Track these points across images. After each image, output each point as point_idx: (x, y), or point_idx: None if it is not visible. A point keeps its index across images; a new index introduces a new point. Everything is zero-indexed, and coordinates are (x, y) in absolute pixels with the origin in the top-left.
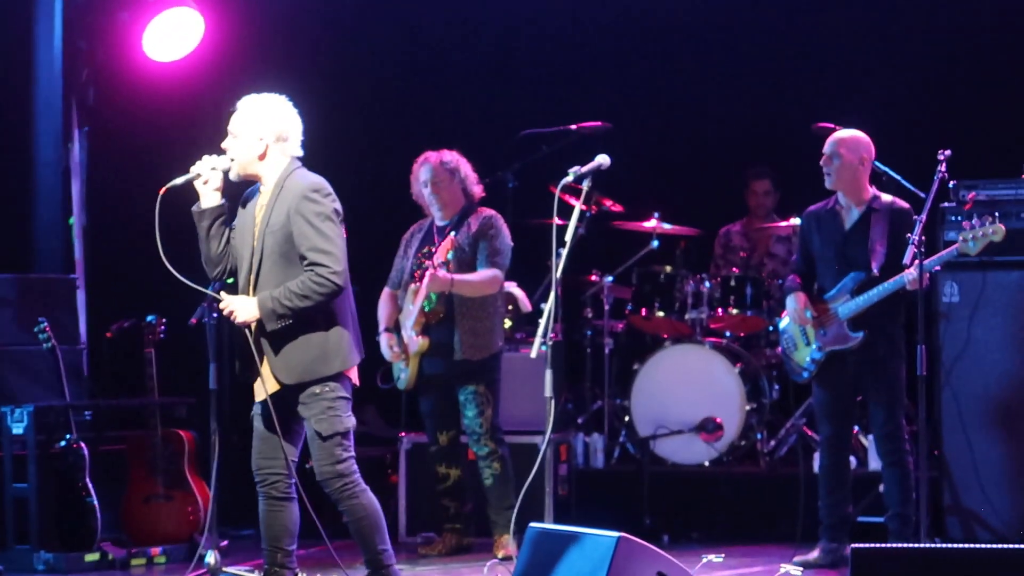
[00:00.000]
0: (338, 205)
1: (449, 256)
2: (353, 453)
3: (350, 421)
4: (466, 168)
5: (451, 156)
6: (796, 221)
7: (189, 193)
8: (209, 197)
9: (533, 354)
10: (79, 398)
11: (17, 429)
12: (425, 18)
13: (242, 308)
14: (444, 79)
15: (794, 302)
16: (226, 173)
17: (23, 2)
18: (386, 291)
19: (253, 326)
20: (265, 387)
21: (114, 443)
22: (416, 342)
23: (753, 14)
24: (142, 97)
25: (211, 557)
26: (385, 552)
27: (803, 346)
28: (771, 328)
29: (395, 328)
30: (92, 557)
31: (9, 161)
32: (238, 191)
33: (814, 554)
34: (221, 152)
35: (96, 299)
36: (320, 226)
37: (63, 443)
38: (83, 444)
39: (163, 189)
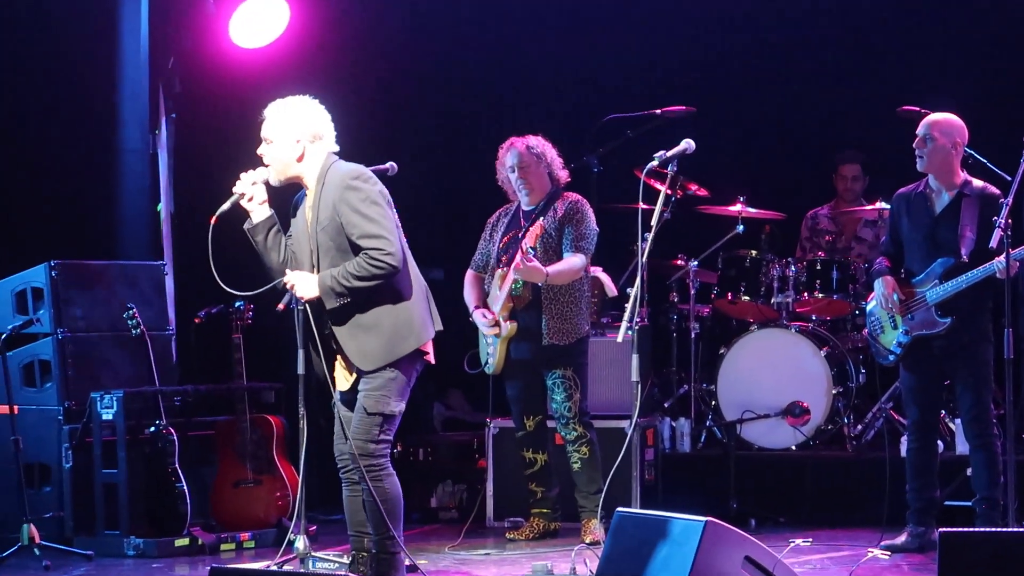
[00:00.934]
0: (381, 187)
1: (538, 244)
2: (390, 439)
3: (398, 407)
4: (552, 153)
5: (537, 141)
6: (883, 205)
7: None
8: (257, 212)
9: (619, 339)
10: (168, 384)
11: (107, 415)
12: (510, 3)
13: (302, 283)
14: (529, 64)
15: (882, 286)
16: (267, 183)
17: None
18: (470, 273)
19: (308, 300)
20: (341, 382)
21: (203, 428)
22: (504, 327)
23: None
24: (228, 84)
25: (300, 542)
26: (393, 539)
27: (890, 330)
28: (857, 312)
29: (485, 307)
30: (182, 542)
31: (96, 148)
32: (285, 200)
33: (901, 538)
34: (259, 164)
35: (184, 285)
36: (366, 211)
37: (153, 429)
38: (172, 429)
39: (213, 218)
